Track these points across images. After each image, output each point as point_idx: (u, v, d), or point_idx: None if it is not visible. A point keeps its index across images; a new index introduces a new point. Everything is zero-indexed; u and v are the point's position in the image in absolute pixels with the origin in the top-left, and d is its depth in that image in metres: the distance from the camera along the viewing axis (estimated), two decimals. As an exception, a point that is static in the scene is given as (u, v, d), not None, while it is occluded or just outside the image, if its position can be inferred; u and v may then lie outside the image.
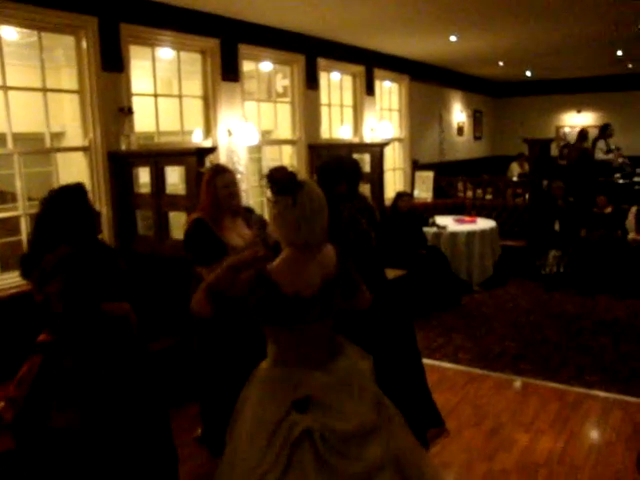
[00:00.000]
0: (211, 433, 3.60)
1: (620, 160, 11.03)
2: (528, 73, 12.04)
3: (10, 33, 4.49)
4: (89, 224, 2.84)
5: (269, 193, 2.19)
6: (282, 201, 2.15)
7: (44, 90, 4.65)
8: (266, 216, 3.34)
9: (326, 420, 2.12)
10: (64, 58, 5.25)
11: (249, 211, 3.80)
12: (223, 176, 3.55)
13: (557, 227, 7.69)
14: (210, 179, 3.54)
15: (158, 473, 2.74)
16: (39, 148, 4.90)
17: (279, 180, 2.16)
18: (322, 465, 2.07)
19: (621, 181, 9.84)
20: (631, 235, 7.46)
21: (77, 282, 2.52)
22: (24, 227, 4.49)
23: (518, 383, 4.76)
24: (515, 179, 10.56)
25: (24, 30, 4.58)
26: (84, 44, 4.71)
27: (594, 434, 3.98)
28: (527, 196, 8.87)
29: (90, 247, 2.78)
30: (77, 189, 2.87)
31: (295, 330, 2.22)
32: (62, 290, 2.49)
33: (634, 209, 7.58)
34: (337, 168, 3.39)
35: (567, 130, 13.29)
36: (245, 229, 3.62)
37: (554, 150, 12.10)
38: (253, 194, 6.53)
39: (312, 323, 2.22)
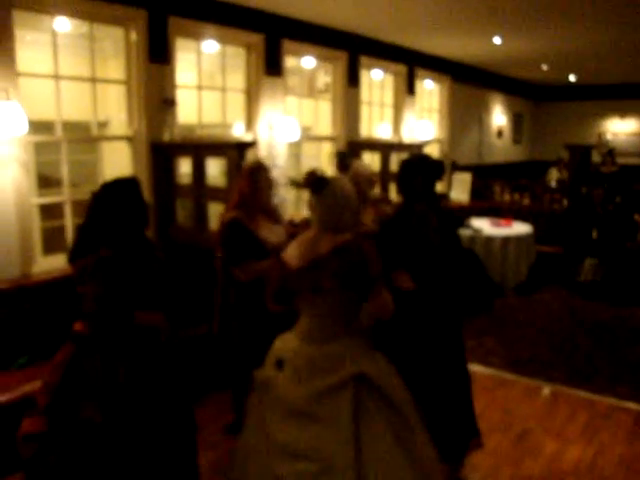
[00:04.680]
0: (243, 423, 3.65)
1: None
2: (572, 78, 11.85)
3: (62, 24, 4.61)
4: (139, 220, 2.79)
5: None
6: (311, 199, 2.64)
7: (93, 80, 4.77)
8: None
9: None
10: (112, 49, 5.37)
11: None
12: (266, 173, 3.61)
13: (595, 235, 7.58)
14: (253, 174, 3.59)
15: (178, 463, 2.76)
16: (86, 136, 5.03)
17: (307, 185, 2.62)
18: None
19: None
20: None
21: (112, 290, 2.56)
22: (68, 212, 4.62)
23: (548, 390, 4.73)
24: (553, 184, 10.42)
25: (74, 21, 4.70)
26: (133, 36, 4.82)
27: (624, 446, 3.92)
28: (565, 202, 8.75)
29: (132, 248, 2.74)
30: (130, 184, 2.81)
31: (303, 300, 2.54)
32: (97, 296, 2.56)
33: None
34: (416, 163, 3.46)
35: (609, 137, 13.05)
36: (276, 227, 3.66)
37: (596, 156, 11.92)
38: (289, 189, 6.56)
39: (308, 294, 2.50)
